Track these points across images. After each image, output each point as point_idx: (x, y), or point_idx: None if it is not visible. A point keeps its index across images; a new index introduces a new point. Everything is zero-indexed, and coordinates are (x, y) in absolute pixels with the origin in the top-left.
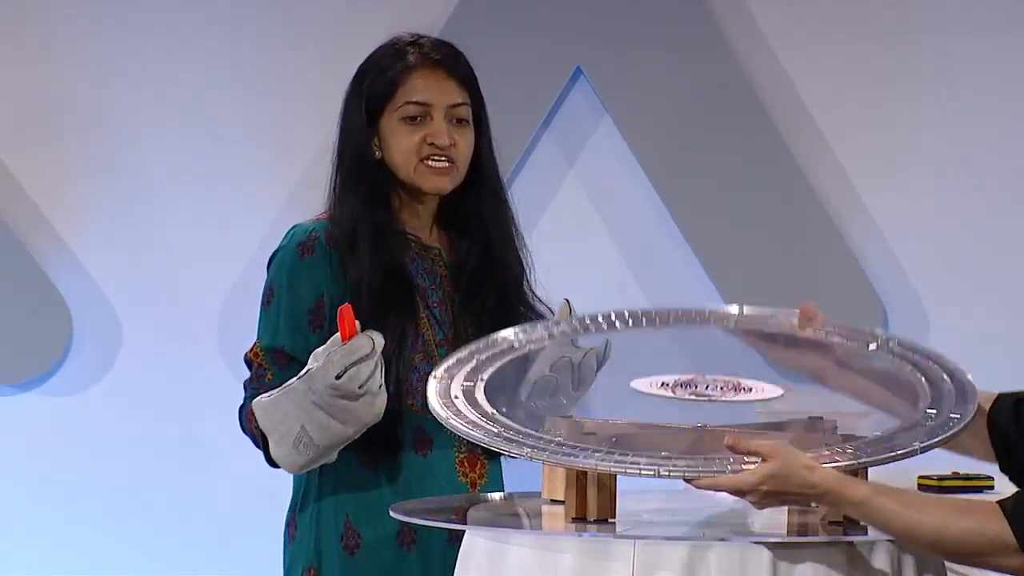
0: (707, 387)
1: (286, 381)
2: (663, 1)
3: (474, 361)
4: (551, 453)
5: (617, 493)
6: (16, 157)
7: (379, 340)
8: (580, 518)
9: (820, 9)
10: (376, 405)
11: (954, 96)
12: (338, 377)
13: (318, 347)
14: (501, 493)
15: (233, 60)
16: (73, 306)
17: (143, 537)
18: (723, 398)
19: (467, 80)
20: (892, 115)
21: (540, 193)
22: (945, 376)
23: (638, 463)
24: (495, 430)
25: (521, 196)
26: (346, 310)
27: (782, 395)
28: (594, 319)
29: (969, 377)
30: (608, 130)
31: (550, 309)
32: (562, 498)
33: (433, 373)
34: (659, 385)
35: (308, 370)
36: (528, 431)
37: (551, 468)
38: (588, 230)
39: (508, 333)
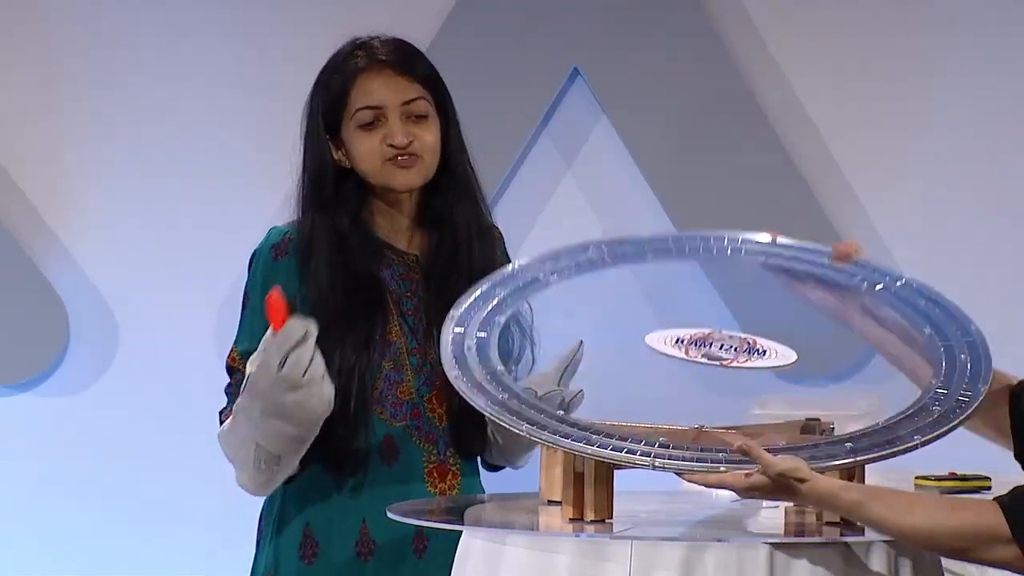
0: (721, 346)
1: None
2: (661, 1)
3: (495, 300)
4: (551, 432)
5: (614, 493)
6: (14, 158)
7: (312, 326)
8: (577, 518)
9: (818, 9)
10: (324, 394)
11: (954, 97)
12: (280, 367)
13: None
14: (499, 494)
15: (233, 60)
16: (70, 307)
17: (141, 537)
18: (735, 362)
19: (421, 75)
20: (891, 117)
21: (537, 194)
22: (965, 344)
23: (635, 451)
24: (499, 396)
25: (518, 197)
26: (273, 298)
27: (795, 361)
28: (623, 242)
29: (988, 350)
30: (606, 131)
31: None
32: (559, 499)
33: (451, 314)
34: (673, 342)
35: (248, 376)
36: (537, 404)
37: (549, 468)
38: (586, 231)
39: (527, 261)
